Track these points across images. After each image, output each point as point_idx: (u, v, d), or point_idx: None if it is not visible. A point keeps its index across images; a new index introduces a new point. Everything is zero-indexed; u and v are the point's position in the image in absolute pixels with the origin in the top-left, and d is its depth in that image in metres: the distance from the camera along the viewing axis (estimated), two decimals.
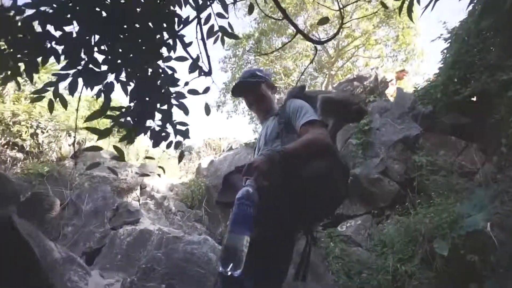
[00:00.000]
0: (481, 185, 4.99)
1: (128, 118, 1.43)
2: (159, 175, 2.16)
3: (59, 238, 4.07)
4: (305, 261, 1.64)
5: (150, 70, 1.44)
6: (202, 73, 1.60)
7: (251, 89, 1.87)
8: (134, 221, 4.24)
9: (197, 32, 1.55)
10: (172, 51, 1.48)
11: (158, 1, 1.49)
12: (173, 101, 1.58)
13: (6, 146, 5.29)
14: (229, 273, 1.22)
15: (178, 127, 1.63)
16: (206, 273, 2.86)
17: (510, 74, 4.82)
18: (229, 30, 1.62)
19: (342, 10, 1.69)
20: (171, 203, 5.77)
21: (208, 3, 1.55)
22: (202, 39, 1.56)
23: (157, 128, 1.57)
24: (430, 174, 4.93)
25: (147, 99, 1.44)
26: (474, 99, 5.65)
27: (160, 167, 1.89)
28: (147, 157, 2.87)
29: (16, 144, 5.36)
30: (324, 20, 1.52)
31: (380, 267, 3.92)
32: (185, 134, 1.64)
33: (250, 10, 1.72)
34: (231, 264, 1.22)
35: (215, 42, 1.67)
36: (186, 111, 1.64)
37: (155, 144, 1.58)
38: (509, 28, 5.31)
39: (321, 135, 1.60)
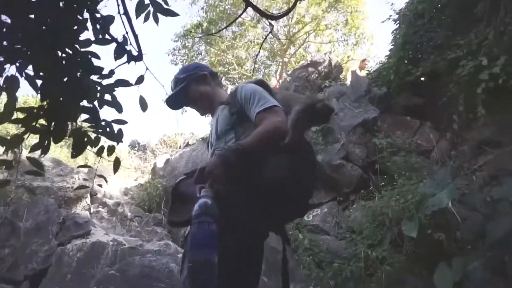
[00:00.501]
0: (437, 163, 5.13)
1: (43, 121, 1.10)
2: (106, 180, 1.78)
3: None
4: (287, 269, 1.46)
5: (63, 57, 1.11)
6: (131, 59, 1.29)
7: (180, 100, 1.70)
8: (84, 234, 3.80)
9: (118, 5, 1.23)
10: (87, 31, 1.15)
11: None
12: (107, 97, 1.25)
13: None
14: None
15: (114, 126, 1.30)
16: (168, 287, 2.57)
17: (458, 52, 4.93)
18: (164, 6, 1.30)
19: None
20: (126, 209, 5.32)
21: None
22: (126, 13, 1.24)
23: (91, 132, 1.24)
24: (391, 155, 4.95)
25: (62, 95, 1.11)
26: (425, 79, 5.77)
27: (102, 176, 1.54)
28: (80, 166, 2.44)
29: None
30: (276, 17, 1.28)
31: (351, 255, 3.86)
32: (118, 137, 1.32)
33: None
34: None
35: (146, 19, 1.35)
36: (118, 107, 1.32)
37: (77, 152, 1.24)
38: (453, 7, 5.46)
39: (280, 122, 1.37)
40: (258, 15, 12.68)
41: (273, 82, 15.66)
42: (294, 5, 1.26)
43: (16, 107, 1.18)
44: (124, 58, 1.24)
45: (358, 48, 13.26)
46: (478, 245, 3.14)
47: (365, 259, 3.67)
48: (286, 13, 1.37)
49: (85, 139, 1.22)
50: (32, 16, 1.04)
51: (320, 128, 5.47)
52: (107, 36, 1.21)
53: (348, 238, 4.20)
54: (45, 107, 1.13)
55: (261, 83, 1.65)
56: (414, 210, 3.67)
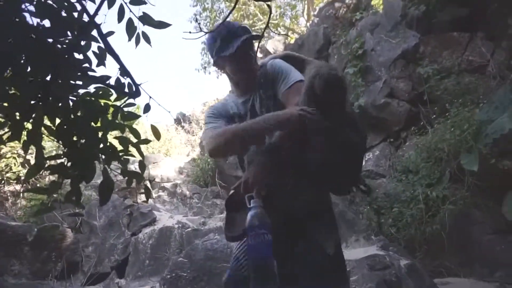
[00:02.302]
0: (495, 78, 4.61)
1: None
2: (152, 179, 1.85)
3: (82, 262, 4.02)
4: None
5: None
6: (129, 96, 1.25)
7: (251, 49, 1.49)
8: (151, 222, 4.13)
9: (101, 38, 1.16)
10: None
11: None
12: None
13: (2, 182, 5.17)
14: None
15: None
16: None
17: None
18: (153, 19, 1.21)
19: None
20: (184, 188, 5.64)
21: None
22: (112, 53, 1.17)
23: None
24: (440, 82, 4.54)
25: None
26: None
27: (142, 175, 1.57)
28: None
29: (10, 178, 5.22)
30: None
31: (410, 198, 3.74)
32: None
33: None
34: None
35: (137, 43, 1.29)
36: (137, 134, 1.34)
37: (104, 200, 1.28)
38: None
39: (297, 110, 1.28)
40: None
41: (302, 23, 14.82)
42: None
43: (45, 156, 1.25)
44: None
45: None
46: None
47: (425, 200, 3.55)
48: None
49: (112, 184, 1.26)
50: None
51: (358, 69, 5.14)
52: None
53: (404, 180, 4.05)
54: (69, 152, 1.18)
55: (288, 57, 1.58)
56: (473, 141, 3.41)
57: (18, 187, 5.31)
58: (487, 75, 4.75)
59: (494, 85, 4.44)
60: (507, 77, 4.48)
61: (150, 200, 4.68)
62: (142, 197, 4.42)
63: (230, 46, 1.41)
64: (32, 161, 1.32)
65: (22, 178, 5.35)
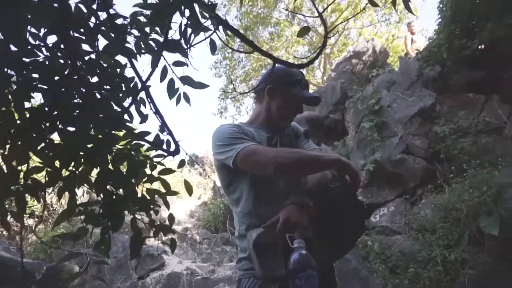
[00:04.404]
0: None
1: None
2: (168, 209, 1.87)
3: None
4: None
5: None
6: (169, 153, 1.33)
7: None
8: (159, 266, 4.06)
9: (149, 99, 1.26)
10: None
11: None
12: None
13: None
14: None
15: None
16: None
17: None
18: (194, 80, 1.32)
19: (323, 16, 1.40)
20: (194, 233, 5.59)
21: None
22: (151, 101, 1.27)
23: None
24: (456, 141, 4.56)
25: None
26: (484, 49, 5.22)
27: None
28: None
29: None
30: (303, 32, 1.22)
31: (427, 258, 3.62)
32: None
33: (213, 50, 1.41)
34: None
35: (177, 102, 1.39)
36: (169, 190, 1.40)
37: (134, 254, 1.32)
38: None
39: None
40: (291, 13, 12.42)
41: (318, 75, 15.33)
42: (323, 46, 1.18)
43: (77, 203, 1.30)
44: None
45: (402, 25, 12.41)
46: None
47: (443, 262, 3.42)
48: (316, 57, 1.31)
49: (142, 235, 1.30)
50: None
51: (374, 124, 5.22)
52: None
53: (421, 240, 3.94)
54: (103, 201, 1.23)
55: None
56: (492, 204, 3.34)
57: (30, 221, 5.34)
58: (504, 137, 4.76)
59: None
60: None
61: (160, 245, 4.63)
62: (153, 240, 4.38)
63: (304, 89, 1.52)
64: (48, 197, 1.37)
65: (36, 213, 5.39)
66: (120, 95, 1.31)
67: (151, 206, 1.35)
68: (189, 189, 1.49)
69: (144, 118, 1.32)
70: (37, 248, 4.93)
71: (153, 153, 1.57)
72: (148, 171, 1.44)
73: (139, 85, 1.30)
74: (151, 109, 1.27)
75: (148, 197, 1.37)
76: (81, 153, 1.25)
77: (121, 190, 1.30)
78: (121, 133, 1.33)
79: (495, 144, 4.58)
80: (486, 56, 5.16)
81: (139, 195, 1.36)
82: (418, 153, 4.86)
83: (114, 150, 1.28)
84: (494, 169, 3.78)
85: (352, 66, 6.92)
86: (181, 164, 1.40)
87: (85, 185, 1.29)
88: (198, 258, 4.87)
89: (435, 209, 4.02)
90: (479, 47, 5.13)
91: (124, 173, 1.23)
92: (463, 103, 5.27)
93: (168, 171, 1.42)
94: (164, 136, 1.33)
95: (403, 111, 5.11)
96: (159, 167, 1.44)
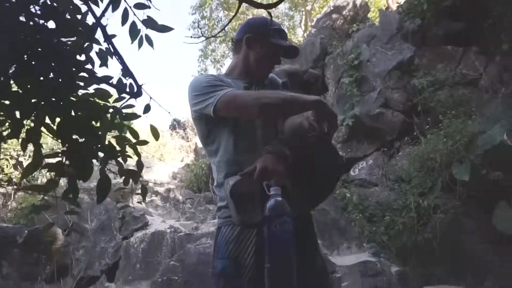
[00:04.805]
0: (487, 91, 4.70)
1: None
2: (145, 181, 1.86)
3: (72, 265, 3.97)
4: None
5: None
6: (131, 95, 1.28)
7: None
8: (143, 226, 4.10)
9: (108, 42, 1.19)
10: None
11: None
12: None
13: None
14: None
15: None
16: None
17: None
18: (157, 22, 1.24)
19: None
20: (177, 193, 5.62)
21: None
22: (116, 53, 1.20)
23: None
24: (434, 93, 4.61)
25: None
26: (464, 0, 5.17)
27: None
28: (122, 207, 2.43)
29: (1, 180, 5.18)
30: None
31: (402, 206, 3.77)
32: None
33: None
34: None
35: (140, 45, 1.31)
36: (136, 134, 1.36)
37: (101, 198, 1.30)
38: None
39: None
40: None
41: (299, 33, 14.99)
42: None
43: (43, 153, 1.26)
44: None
45: None
46: None
47: (416, 209, 3.58)
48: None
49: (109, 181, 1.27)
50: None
51: (353, 79, 5.20)
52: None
53: (397, 189, 4.09)
54: (67, 151, 1.19)
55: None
56: (464, 152, 3.46)
57: (9, 188, 5.26)
58: (480, 88, 4.84)
59: (487, 98, 4.53)
60: (499, 90, 4.57)
61: (143, 204, 4.65)
62: (135, 200, 4.39)
63: (283, 40, 1.46)
64: (25, 164, 1.33)
65: (14, 180, 5.30)
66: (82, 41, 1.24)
67: (118, 154, 1.32)
68: (155, 134, 1.46)
69: (104, 61, 1.25)
70: (17, 214, 4.90)
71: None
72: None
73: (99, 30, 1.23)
74: (109, 49, 1.20)
75: (116, 145, 1.34)
76: (41, 102, 1.19)
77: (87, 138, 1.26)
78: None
79: (471, 96, 4.66)
80: (466, 6, 5.11)
81: (107, 143, 1.33)
82: (396, 107, 4.92)
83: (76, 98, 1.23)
84: (468, 119, 3.88)
85: (332, 21, 6.77)
86: (146, 109, 1.35)
87: (49, 134, 1.24)
88: (182, 217, 4.94)
89: (411, 160, 4.14)
90: None
91: (91, 123, 1.19)
92: (442, 55, 5.28)
93: (132, 115, 1.37)
94: (127, 81, 1.28)
95: (382, 65, 5.10)
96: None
